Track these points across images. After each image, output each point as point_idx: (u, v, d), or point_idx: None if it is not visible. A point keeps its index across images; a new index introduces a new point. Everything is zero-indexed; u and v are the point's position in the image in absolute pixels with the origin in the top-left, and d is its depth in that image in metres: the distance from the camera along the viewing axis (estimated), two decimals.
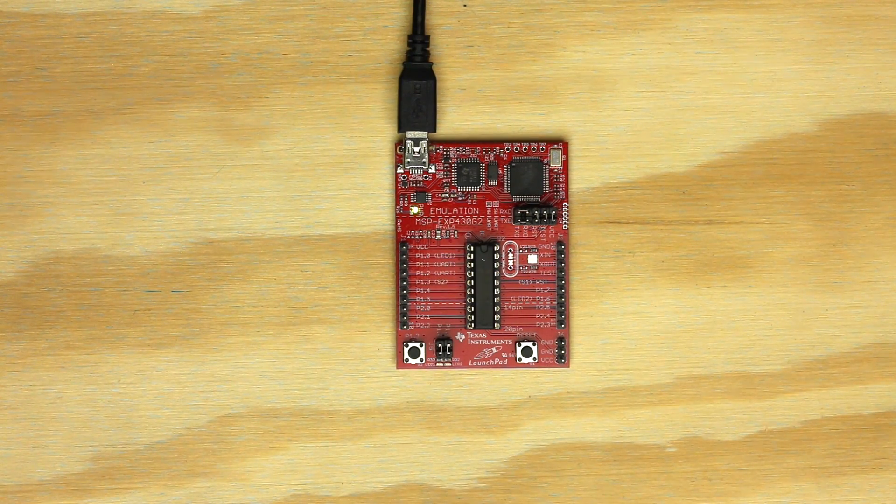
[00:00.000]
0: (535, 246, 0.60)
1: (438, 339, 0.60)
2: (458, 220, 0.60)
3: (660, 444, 0.61)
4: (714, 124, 0.61)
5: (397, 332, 0.60)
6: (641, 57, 0.60)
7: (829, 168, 0.61)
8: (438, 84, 0.60)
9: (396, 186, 0.60)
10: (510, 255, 0.60)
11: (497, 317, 0.60)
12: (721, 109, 0.61)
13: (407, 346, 0.60)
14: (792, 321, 0.61)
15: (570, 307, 0.60)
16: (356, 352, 0.60)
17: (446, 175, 0.60)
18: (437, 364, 0.60)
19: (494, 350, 0.60)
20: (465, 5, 0.60)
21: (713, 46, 0.60)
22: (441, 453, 0.60)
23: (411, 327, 0.60)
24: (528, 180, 0.60)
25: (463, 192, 0.60)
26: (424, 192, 0.60)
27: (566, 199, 0.60)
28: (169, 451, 0.60)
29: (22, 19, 0.60)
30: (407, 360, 0.60)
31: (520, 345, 0.60)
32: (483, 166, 0.60)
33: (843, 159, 0.61)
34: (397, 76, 0.60)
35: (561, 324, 0.60)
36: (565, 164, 0.60)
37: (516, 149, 0.60)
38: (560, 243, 0.60)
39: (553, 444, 0.60)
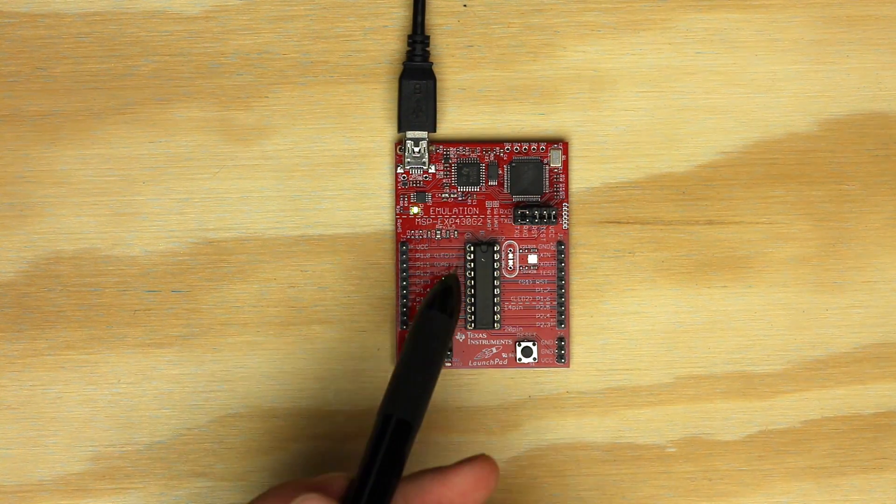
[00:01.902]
0: (535, 246, 0.60)
1: None
2: (458, 220, 0.60)
3: (660, 444, 0.61)
4: (714, 124, 0.61)
5: (397, 332, 0.60)
6: (641, 57, 0.60)
7: (829, 168, 0.61)
8: (438, 84, 0.60)
9: (396, 186, 0.60)
10: (510, 255, 0.60)
11: (497, 317, 0.60)
12: (721, 109, 0.61)
13: None
14: (792, 321, 0.61)
15: (570, 307, 0.60)
16: (356, 352, 0.60)
17: (446, 175, 0.60)
18: None
19: (494, 350, 0.60)
20: (465, 5, 0.60)
21: (713, 46, 0.60)
22: (441, 453, 0.60)
23: None
24: (528, 180, 0.60)
25: (463, 192, 0.60)
26: (424, 192, 0.60)
27: (566, 199, 0.60)
28: (169, 451, 0.60)
29: (22, 19, 0.60)
30: None
31: (520, 345, 0.60)
32: (483, 166, 0.60)
33: (843, 159, 0.61)
34: (397, 76, 0.60)
35: (561, 324, 0.60)
36: (565, 164, 0.60)
37: (516, 149, 0.60)
38: (560, 243, 0.60)
39: (553, 444, 0.60)
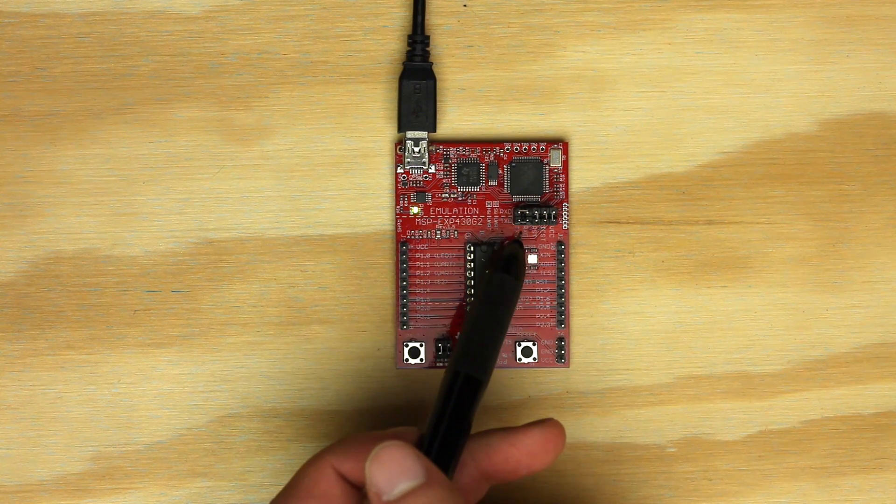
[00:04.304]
0: (535, 246, 0.60)
1: (438, 339, 0.60)
2: (458, 220, 0.60)
3: (660, 444, 0.61)
4: (714, 124, 0.61)
5: (397, 332, 0.60)
6: (641, 57, 0.60)
7: (829, 168, 0.61)
8: (438, 84, 0.60)
9: (396, 186, 0.60)
10: None
11: None
12: (721, 109, 0.61)
13: (407, 346, 0.60)
14: (792, 321, 0.61)
15: (570, 307, 0.60)
16: (356, 352, 0.60)
17: (446, 175, 0.60)
18: (437, 364, 0.60)
19: None
20: (465, 5, 0.60)
21: (713, 46, 0.60)
22: None
23: (411, 327, 0.60)
24: (528, 180, 0.60)
25: (463, 192, 0.60)
26: (424, 192, 0.60)
27: (566, 199, 0.60)
28: (169, 451, 0.60)
29: (22, 19, 0.60)
30: (407, 360, 0.60)
31: (520, 345, 0.60)
32: (483, 166, 0.60)
33: (843, 159, 0.61)
34: (397, 76, 0.60)
35: (561, 324, 0.60)
36: (565, 164, 0.60)
37: (516, 149, 0.60)
38: (560, 243, 0.60)
39: None
